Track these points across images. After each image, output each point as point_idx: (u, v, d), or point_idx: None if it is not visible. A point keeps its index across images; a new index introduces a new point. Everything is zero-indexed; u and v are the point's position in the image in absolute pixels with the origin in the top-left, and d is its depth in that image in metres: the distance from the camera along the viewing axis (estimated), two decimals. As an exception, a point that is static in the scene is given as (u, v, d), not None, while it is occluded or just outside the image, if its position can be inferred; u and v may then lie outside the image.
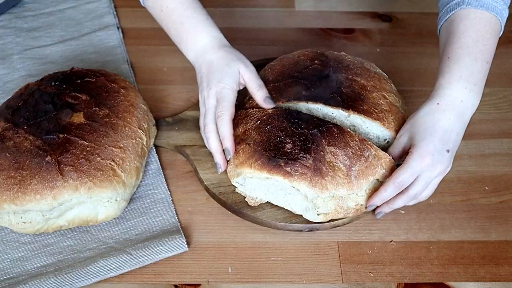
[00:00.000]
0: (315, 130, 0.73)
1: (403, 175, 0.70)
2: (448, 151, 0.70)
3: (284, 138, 0.73)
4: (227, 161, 0.77)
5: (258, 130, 0.76)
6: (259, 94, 0.78)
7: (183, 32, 0.82)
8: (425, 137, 0.70)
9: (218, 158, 0.77)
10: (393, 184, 0.70)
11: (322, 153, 0.72)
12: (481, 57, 0.73)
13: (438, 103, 0.72)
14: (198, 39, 0.81)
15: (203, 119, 0.79)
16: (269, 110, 0.77)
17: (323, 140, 0.73)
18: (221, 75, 0.78)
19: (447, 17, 0.76)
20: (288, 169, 0.71)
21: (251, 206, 0.76)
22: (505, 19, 0.76)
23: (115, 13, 1.10)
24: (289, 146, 0.72)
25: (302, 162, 0.71)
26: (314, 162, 0.71)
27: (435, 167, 0.70)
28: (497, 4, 0.73)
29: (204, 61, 0.80)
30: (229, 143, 0.76)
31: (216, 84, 0.77)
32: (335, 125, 0.74)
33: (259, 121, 0.76)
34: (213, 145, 0.77)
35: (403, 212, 0.79)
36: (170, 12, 0.82)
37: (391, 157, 0.74)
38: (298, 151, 0.72)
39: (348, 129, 0.74)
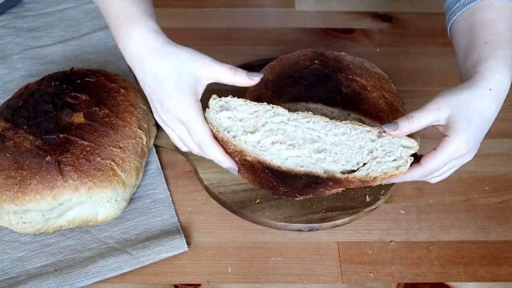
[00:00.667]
0: (306, 189, 0.68)
1: (436, 163, 0.64)
2: (481, 142, 0.66)
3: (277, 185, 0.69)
4: None
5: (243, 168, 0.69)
6: (240, 77, 0.66)
7: (117, 27, 0.67)
8: (469, 126, 0.63)
9: (227, 163, 0.68)
10: (423, 170, 0.64)
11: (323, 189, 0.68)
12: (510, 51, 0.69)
13: (490, 89, 0.64)
14: (131, 37, 0.65)
15: (180, 144, 0.70)
16: (248, 158, 0.65)
17: (321, 189, 0.68)
18: (174, 91, 0.64)
19: (464, 9, 0.72)
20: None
21: (251, 206, 0.76)
22: None
23: (115, 13, 1.10)
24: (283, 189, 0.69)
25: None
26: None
27: (466, 158, 0.66)
28: None
29: (144, 71, 0.66)
30: (227, 162, 0.67)
31: (172, 107, 0.64)
32: (329, 178, 0.65)
33: (241, 164, 0.69)
34: (214, 157, 0.67)
35: (403, 212, 0.79)
36: (109, 3, 0.68)
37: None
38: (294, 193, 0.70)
39: (346, 178, 0.65)
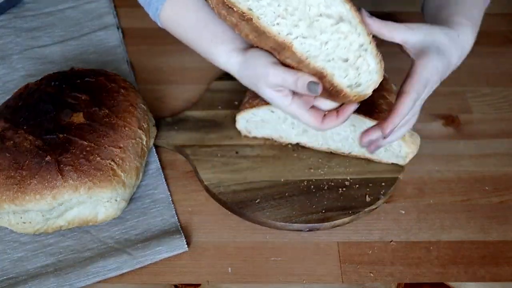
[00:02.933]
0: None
1: (418, 86, 0.64)
2: (439, 83, 0.67)
3: None
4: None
5: None
6: (300, 84, 0.65)
7: (204, 52, 0.75)
8: (439, 55, 0.64)
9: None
10: (410, 97, 0.64)
11: None
12: (480, 16, 0.71)
13: (459, 36, 0.67)
14: (219, 62, 0.73)
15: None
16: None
17: None
18: (261, 69, 0.67)
19: None
20: None
21: (251, 206, 0.76)
22: None
23: (115, 13, 1.10)
24: None
25: None
26: None
27: (432, 87, 0.66)
28: None
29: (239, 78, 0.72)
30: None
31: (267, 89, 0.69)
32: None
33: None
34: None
35: (403, 212, 0.79)
36: (184, 32, 0.76)
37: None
38: None
39: None
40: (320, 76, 0.63)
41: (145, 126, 0.81)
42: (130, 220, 0.77)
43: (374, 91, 0.81)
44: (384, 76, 0.85)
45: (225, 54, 0.71)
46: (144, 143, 0.80)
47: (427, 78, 0.64)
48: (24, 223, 0.73)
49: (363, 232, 0.77)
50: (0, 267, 0.72)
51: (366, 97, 0.64)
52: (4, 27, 1.06)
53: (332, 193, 0.79)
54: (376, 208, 0.79)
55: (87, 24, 1.07)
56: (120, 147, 0.75)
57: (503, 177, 0.84)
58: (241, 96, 0.88)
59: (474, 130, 0.90)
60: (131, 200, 0.79)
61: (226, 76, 0.96)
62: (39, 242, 0.75)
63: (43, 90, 0.80)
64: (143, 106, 0.83)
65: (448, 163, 0.85)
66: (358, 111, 0.77)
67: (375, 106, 0.79)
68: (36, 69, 0.98)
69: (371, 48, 0.61)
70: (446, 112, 0.92)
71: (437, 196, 0.81)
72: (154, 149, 0.85)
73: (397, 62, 1.07)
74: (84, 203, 0.73)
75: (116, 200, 0.74)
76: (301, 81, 0.64)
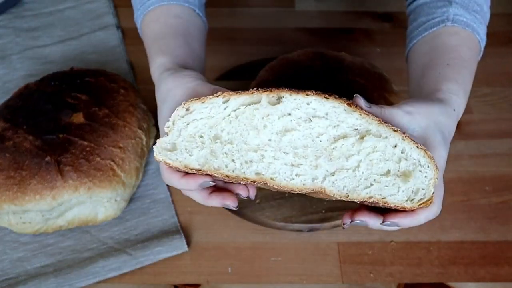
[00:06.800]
0: None
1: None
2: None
3: None
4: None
5: None
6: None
7: (148, 57, 0.69)
8: (444, 140, 0.58)
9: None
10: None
11: None
12: (471, 78, 0.66)
13: (454, 109, 0.60)
14: (152, 65, 0.67)
15: None
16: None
17: None
18: (161, 116, 0.59)
19: (427, 33, 0.68)
20: None
21: (251, 206, 0.76)
22: (483, 49, 0.70)
23: (114, 13, 1.10)
24: None
25: None
26: None
27: (443, 171, 0.59)
28: (480, 30, 0.68)
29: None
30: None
31: (160, 130, 0.60)
32: None
33: None
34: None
35: (403, 212, 0.79)
36: (146, 40, 0.72)
37: None
38: None
39: None
40: (370, 202, 0.53)
41: (145, 126, 0.81)
42: (130, 220, 0.77)
43: (375, 91, 0.81)
44: (384, 76, 0.85)
45: (163, 60, 0.64)
46: (144, 143, 0.80)
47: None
48: (24, 223, 0.73)
49: (363, 232, 0.77)
50: (0, 267, 0.72)
51: (431, 201, 0.52)
52: (4, 27, 1.06)
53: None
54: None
55: (87, 24, 1.07)
56: (120, 147, 0.75)
57: (503, 177, 0.84)
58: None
59: (474, 130, 0.90)
60: (131, 200, 0.79)
61: (226, 76, 0.97)
62: (39, 242, 0.75)
63: (43, 90, 0.80)
64: (143, 106, 0.83)
65: (448, 163, 0.85)
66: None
67: (375, 106, 0.79)
68: (36, 69, 0.98)
69: (407, 143, 0.51)
70: (446, 112, 0.92)
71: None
72: (154, 149, 0.85)
73: (397, 62, 1.07)
74: (84, 203, 0.73)
75: (116, 200, 0.74)
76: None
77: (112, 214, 0.75)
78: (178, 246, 0.73)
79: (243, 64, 0.98)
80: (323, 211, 0.77)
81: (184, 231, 0.76)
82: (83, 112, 0.76)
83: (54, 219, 0.74)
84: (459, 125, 0.90)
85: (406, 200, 0.52)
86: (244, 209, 0.77)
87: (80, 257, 0.73)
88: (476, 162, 0.86)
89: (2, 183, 0.72)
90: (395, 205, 0.52)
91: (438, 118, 0.57)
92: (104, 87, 0.81)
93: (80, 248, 0.74)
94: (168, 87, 0.59)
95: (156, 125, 0.86)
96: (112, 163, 0.74)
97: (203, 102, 0.52)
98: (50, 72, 0.85)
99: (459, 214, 0.79)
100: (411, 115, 0.56)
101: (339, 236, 0.77)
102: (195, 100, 0.52)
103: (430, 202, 0.52)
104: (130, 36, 1.06)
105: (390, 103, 0.80)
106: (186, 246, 0.74)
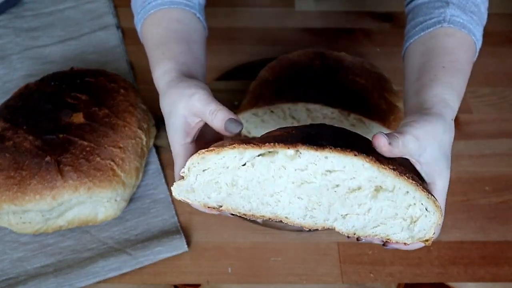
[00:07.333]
0: None
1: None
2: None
3: None
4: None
5: None
6: (216, 121, 0.58)
7: (150, 61, 0.69)
8: (447, 162, 0.59)
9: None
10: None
11: None
12: (466, 81, 0.66)
13: (452, 119, 0.60)
14: (156, 71, 0.66)
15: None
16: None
17: None
18: (167, 130, 0.62)
19: (424, 33, 0.68)
20: None
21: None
22: (478, 50, 0.70)
23: (114, 13, 1.10)
24: None
25: None
26: None
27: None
28: (476, 31, 0.68)
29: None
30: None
31: (170, 142, 0.62)
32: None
33: None
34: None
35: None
36: (147, 46, 0.71)
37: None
38: None
39: None
40: (372, 237, 0.55)
41: (145, 126, 0.81)
42: (130, 220, 0.77)
43: (374, 91, 0.81)
44: (384, 76, 0.85)
45: (167, 66, 0.64)
46: (144, 143, 0.80)
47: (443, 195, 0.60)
48: (24, 223, 0.73)
49: (363, 232, 0.77)
50: (0, 267, 0.72)
51: (429, 241, 0.55)
52: (4, 27, 1.06)
53: None
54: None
55: (87, 24, 1.07)
56: (120, 147, 0.75)
57: (503, 177, 0.84)
58: (241, 96, 0.88)
59: (474, 130, 0.90)
60: (131, 200, 0.79)
61: (226, 76, 0.97)
62: (38, 242, 0.75)
63: (43, 90, 0.80)
64: (143, 106, 0.83)
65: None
66: (358, 112, 0.77)
67: (375, 106, 0.79)
68: (36, 69, 0.98)
69: (416, 191, 0.52)
70: (446, 112, 0.92)
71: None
72: (154, 149, 0.85)
73: (397, 62, 1.07)
74: (84, 203, 0.73)
75: (116, 200, 0.74)
76: (220, 114, 0.57)
77: (112, 214, 0.75)
78: (178, 246, 0.73)
79: (243, 64, 0.98)
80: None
81: (184, 231, 0.76)
82: (83, 112, 0.76)
83: (54, 219, 0.74)
84: (459, 125, 0.91)
85: (408, 238, 0.54)
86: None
87: (80, 257, 0.73)
88: (476, 162, 0.86)
89: (2, 183, 0.72)
90: (396, 241, 0.55)
91: (441, 138, 0.58)
92: (104, 87, 0.81)
93: (80, 248, 0.74)
94: (172, 99, 0.60)
95: (156, 125, 0.86)
96: (112, 163, 0.74)
97: (218, 153, 0.53)
98: (50, 72, 0.85)
99: (459, 214, 0.79)
100: (419, 141, 0.55)
101: (339, 236, 0.76)
102: (211, 150, 0.53)
103: (428, 241, 0.55)
104: (130, 36, 1.06)
105: (389, 103, 0.80)
106: (186, 246, 0.74)
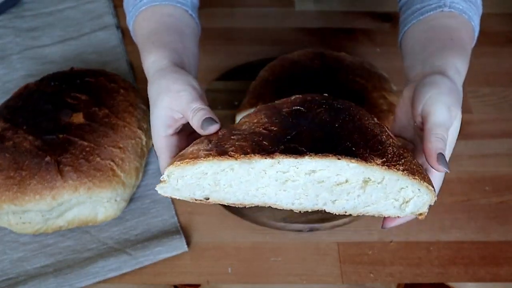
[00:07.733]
0: None
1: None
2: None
3: None
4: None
5: None
6: (194, 120, 0.57)
7: (140, 49, 0.69)
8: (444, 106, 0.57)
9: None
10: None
11: None
12: (469, 60, 0.65)
13: (460, 85, 0.61)
14: (147, 59, 0.66)
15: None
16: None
17: None
18: (152, 117, 0.61)
19: (422, 17, 0.68)
20: None
21: (251, 206, 0.76)
22: (476, 38, 0.70)
23: (114, 13, 1.10)
24: None
25: None
26: None
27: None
28: (475, 19, 0.68)
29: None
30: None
31: (152, 132, 0.62)
32: None
33: None
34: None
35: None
36: (137, 39, 0.71)
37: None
38: None
39: None
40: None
41: (145, 126, 0.81)
42: (130, 220, 0.77)
43: (374, 91, 0.81)
44: (384, 76, 0.85)
45: (158, 55, 0.64)
46: (144, 143, 0.80)
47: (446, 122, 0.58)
48: (24, 223, 0.73)
49: (363, 232, 0.77)
50: (0, 267, 0.72)
51: (423, 215, 0.55)
52: (4, 27, 1.06)
53: None
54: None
55: (86, 24, 1.07)
56: (120, 147, 0.75)
57: (503, 177, 0.84)
58: (241, 96, 0.88)
59: (474, 130, 0.90)
60: (131, 200, 0.79)
61: (225, 76, 0.97)
62: (38, 243, 0.75)
63: (43, 90, 0.80)
64: (143, 106, 0.83)
65: (448, 163, 0.85)
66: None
67: (375, 106, 0.79)
68: (36, 69, 0.98)
69: (408, 180, 0.52)
70: (446, 112, 0.92)
71: (437, 196, 0.81)
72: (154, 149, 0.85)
73: (397, 62, 1.07)
74: (83, 203, 0.73)
75: (116, 200, 0.74)
76: (199, 114, 0.57)
77: (112, 214, 0.75)
78: (178, 246, 0.73)
79: (242, 64, 0.98)
80: (323, 211, 0.77)
81: (184, 231, 0.76)
82: (83, 112, 0.76)
83: (54, 219, 0.74)
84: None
85: (400, 213, 0.55)
86: (244, 209, 0.77)
87: (80, 257, 0.73)
88: (476, 162, 0.86)
89: (2, 183, 0.71)
90: (388, 215, 0.55)
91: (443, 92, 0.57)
92: (104, 87, 0.81)
93: (80, 248, 0.74)
94: (160, 90, 0.60)
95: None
96: (112, 163, 0.74)
97: (193, 165, 0.52)
98: (50, 72, 0.85)
99: (459, 214, 0.79)
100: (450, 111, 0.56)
101: (339, 236, 0.77)
102: (186, 162, 0.52)
103: (422, 215, 0.55)
104: (130, 36, 1.05)
105: (389, 103, 0.80)
106: (186, 246, 0.74)
